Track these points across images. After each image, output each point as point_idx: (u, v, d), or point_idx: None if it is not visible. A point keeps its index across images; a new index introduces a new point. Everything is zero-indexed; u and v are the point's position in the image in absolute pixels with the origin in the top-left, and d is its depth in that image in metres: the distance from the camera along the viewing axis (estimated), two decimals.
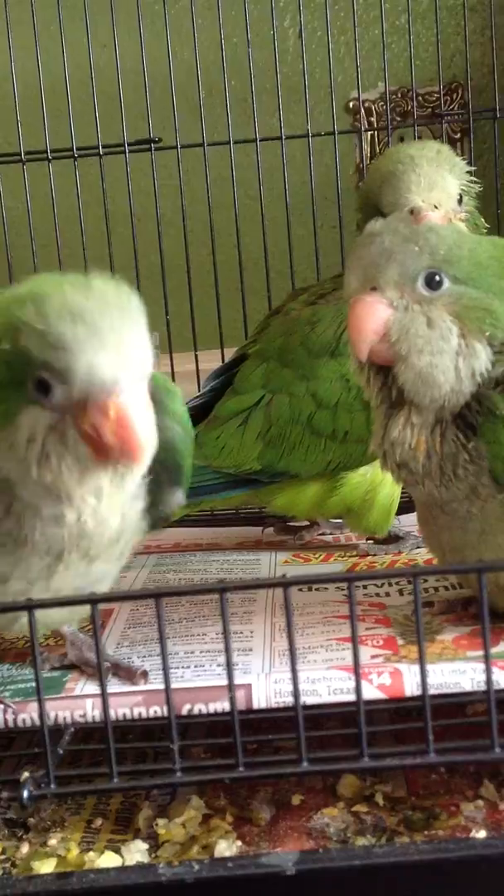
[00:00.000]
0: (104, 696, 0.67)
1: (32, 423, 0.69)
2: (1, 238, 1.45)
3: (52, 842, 0.79)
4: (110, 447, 0.67)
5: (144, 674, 0.83)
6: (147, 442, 0.68)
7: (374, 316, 0.79)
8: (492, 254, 0.81)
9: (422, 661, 0.65)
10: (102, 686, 0.68)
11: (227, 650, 0.64)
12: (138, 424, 0.67)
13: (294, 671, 0.64)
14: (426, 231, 0.81)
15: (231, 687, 0.65)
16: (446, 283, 0.79)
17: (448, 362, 0.79)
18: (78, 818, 0.81)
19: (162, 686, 0.69)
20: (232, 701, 0.66)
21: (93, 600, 0.64)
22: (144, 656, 0.87)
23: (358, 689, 0.64)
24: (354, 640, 0.63)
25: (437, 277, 0.79)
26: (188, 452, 0.85)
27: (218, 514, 1.37)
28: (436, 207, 1.06)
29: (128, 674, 0.83)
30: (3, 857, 0.78)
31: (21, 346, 0.67)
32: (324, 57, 1.42)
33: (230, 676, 0.65)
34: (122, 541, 0.79)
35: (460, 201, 1.09)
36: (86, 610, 0.86)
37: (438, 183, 1.07)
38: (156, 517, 0.84)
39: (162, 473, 0.80)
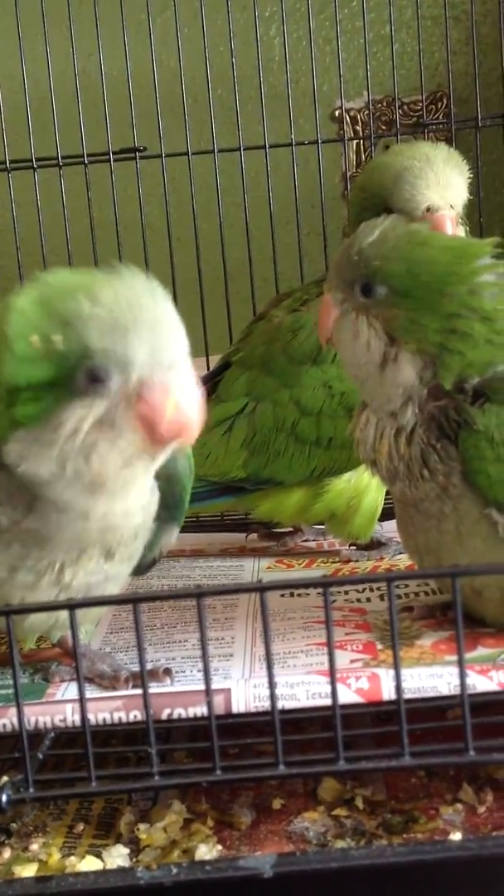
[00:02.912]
0: (82, 700, 0.68)
1: (78, 417, 0.70)
2: None
3: (34, 847, 0.79)
4: (168, 427, 0.70)
5: (168, 671, 0.83)
6: (201, 417, 0.72)
7: (325, 314, 0.85)
8: (445, 267, 0.81)
9: (396, 665, 0.65)
10: (80, 691, 0.69)
11: (205, 654, 0.64)
12: (197, 400, 0.71)
13: (270, 676, 0.65)
14: (368, 240, 0.82)
15: (208, 691, 0.66)
16: (380, 293, 0.81)
17: (372, 370, 0.82)
18: (60, 823, 0.82)
19: (141, 691, 0.69)
20: (209, 705, 0.66)
21: (70, 606, 0.65)
22: (126, 662, 0.88)
23: (334, 693, 0.65)
24: (330, 644, 0.64)
25: (370, 287, 0.82)
26: (189, 487, 0.86)
27: (203, 520, 1.37)
28: (451, 207, 1.07)
29: (151, 675, 0.81)
30: None
31: (75, 339, 0.68)
32: (309, 66, 1.43)
33: (207, 681, 0.66)
34: (139, 539, 0.80)
35: None
36: (90, 616, 0.87)
37: (453, 183, 1.08)
38: (146, 560, 0.86)
39: (162, 510, 0.82)
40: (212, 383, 1.19)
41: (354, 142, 1.88)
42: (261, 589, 0.64)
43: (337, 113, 1.89)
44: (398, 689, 0.65)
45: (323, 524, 1.19)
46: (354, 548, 1.18)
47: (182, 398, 0.70)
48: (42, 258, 1.44)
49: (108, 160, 1.43)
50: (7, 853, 0.79)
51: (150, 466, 0.74)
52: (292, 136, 1.42)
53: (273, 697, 0.65)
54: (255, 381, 1.14)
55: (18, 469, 0.71)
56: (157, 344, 0.69)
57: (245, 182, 1.43)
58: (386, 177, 1.10)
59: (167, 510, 0.83)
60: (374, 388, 0.83)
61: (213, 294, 1.46)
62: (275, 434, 1.12)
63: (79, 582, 0.79)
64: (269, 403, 1.12)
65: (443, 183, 1.07)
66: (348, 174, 1.68)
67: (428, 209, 1.07)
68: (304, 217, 1.46)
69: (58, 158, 1.43)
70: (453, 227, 1.07)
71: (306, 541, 1.25)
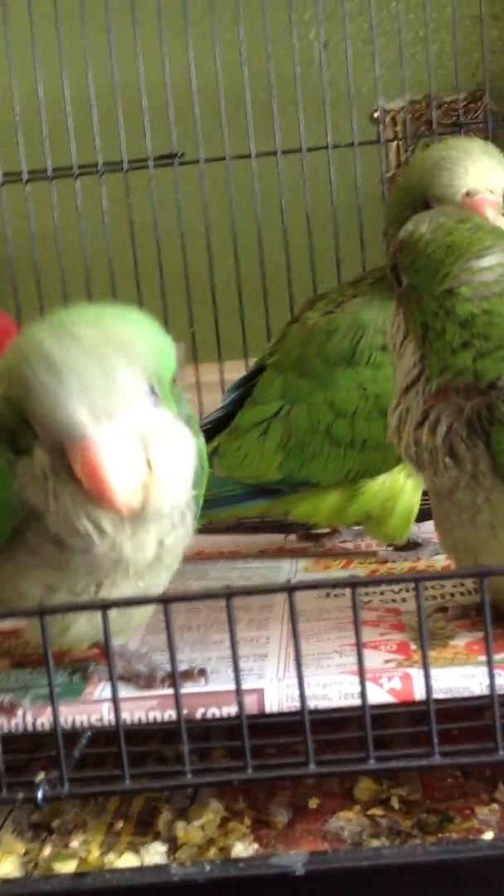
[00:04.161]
0: (115, 699, 0.69)
1: (40, 461, 0.71)
2: (29, 255, 1.48)
3: (74, 844, 0.80)
4: (89, 490, 0.68)
5: (202, 672, 0.83)
6: (130, 485, 0.68)
7: None
8: (435, 263, 0.81)
9: (425, 664, 0.65)
10: (114, 689, 0.70)
11: (234, 653, 0.65)
12: (113, 470, 0.67)
13: (300, 675, 0.66)
14: (405, 230, 0.83)
15: (238, 691, 0.67)
16: (404, 283, 0.82)
17: (396, 357, 0.84)
18: (99, 821, 0.83)
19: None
20: (240, 705, 0.67)
21: (103, 606, 0.66)
22: (163, 662, 0.89)
23: (363, 692, 0.65)
24: (359, 643, 0.64)
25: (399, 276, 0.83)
26: (202, 486, 0.85)
27: (243, 522, 1.38)
28: (491, 192, 1.07)
29: (186, 675, 0.83)
30: (26, 858, 0.80)
31: (13, 394, 0.69)
32: (351, 68, 1.43)
33: (237, 680, 0.67)
34: (170, 556, 0.80)
35: None
36: (134, 621, 0.88)
37: (490, 171, 1.08)
38: None
39: None
40: (247, 386, 1.19)
41: (394, 144, 1.88)
42: (290, 589, 0.64)
43: (376, 115, 1.89)
44: (427, 688, 0.65)
45: (360, 525, 1.19)
46: (391, 549, 1.18)
47: (92, 466, 0.67)
48: (84, 265, 1.46)
49: (148, 166, 1.44)
50: (48, 850, 0.80)
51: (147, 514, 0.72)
52: (328, 139, 1.43)
53: (303, 696, 0.66)
54: (289, 384, 1.14)
55: (23, 496, 0.73)
56: (62, 407, 0.67)
57: (283, 186, 1.44)
58: (424, 169, 1.11)
59: None
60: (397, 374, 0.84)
61: (251, 298, 1.47)
62: (310, 436, 1.12)
63: (127, 594, 0.79)
64: (303, 405, 1.13)
65: (480, 167, 1.08)
66: (387, 176, 1.68)
67: (467, 194, 1.07)
68: (342, 220, 1.46)
69: (98, 165, 1.45)
70: (494, 211, 1.06)
71: (344, 542, 1.25)
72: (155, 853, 0.78)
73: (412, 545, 1.17)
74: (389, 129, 1.86)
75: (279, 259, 1.45)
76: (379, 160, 1.65)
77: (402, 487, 1.12)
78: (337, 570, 1.15)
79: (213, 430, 1.18)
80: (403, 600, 0.98)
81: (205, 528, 1.23)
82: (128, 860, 0.77)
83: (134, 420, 0.69)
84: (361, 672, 0.64)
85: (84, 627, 0.82)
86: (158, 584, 0.83)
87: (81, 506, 0.71)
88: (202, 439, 0.84)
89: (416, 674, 0.78)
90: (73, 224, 1.45)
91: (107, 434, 0.67)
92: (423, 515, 1.15)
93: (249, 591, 0.64)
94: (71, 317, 0.72)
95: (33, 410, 0.69)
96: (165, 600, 0.66)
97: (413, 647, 0.86)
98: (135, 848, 0.79)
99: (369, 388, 1.09)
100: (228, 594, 0.64)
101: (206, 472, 0.85)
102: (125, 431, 0.69)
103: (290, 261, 1.45)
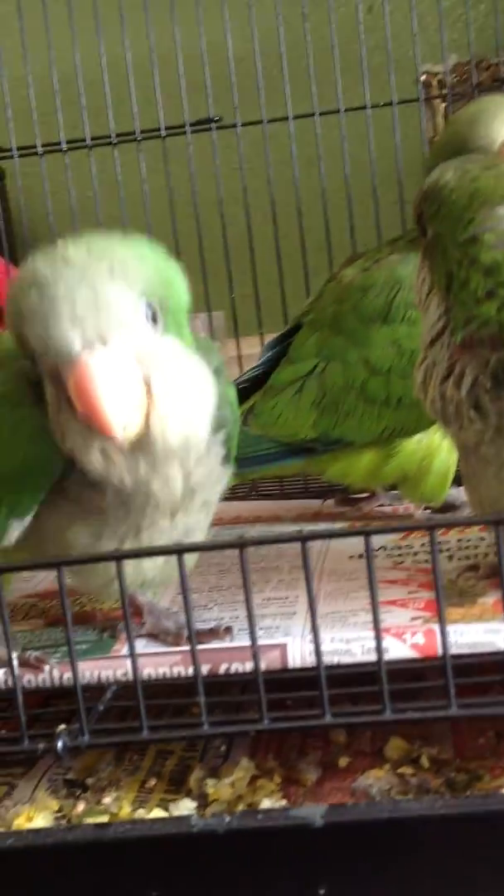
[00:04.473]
0: (132, 651, 0.69)
1: (50, 395, 0.71)
2: (70, 224, 1.48)
3: (107, 800, 0.81)
4: (82, 413, 0.67)
5: (228, 630, 0.83)
6: (126, 410, 0.67)
7: None
8: (459, 210, 0.79)
9: (441, 614, 0.64)
10: (130, 641, 0.70)
11: (248, 602, 0.65)
12: (105, 393, 0.66)
13: (314, 622, 0.65)
14: (429, 179, 0.81)
15: (253, 641, 0.66)
16: (429, 233, 0.80)
17: (421, 309, 0.81)
18: (133, 779, 0.84)
19: (199, 646, 0.70)
20: (255, 655, 0.67)
21: (116, 556, 0.66)
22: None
23: (378, 643, 0.65)
24: (373, 593, 0.63)
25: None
26: (236, 441, 0.85)
27: (286, 488, 1.38)
28: None
29: (212, 633, 0.83)
30: (59, 814, 0.81)
31: (13, 322, 0.69)
32: (394, 30, 1.40)
33: (252, 631, 0.66)
34: (203, 492, 0.79)
35: None
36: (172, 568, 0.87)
37: None
38: None
39: None
40: (283, 345, 1.19)
41: (443, 105, 1.85)
42: (302, 539, 0.64)
43: (423, 78, 1.86)
44: (443, 638, 0.64)
45: (395, 488, 1.18)
46: (429, 511, 1.17)
47: (84, 387, 0.66)
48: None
49: (185, 132, 1.44)
50: (81, 807, 0.81)
51: (157, 441, 0.70)
52: (367, 100, 1.40)
53: (318, 647, 0.66)
54: (325, 342, 1.13)
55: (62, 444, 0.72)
56: (52, 330, 0.66)
57: (321, 149, 1.42)
58: (461, 124, 1.11)
59: None
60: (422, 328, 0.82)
61: (290, 264, 1.45)
62: (344, 394, 1.11)
63: (161, 541, 0.79)
64: (338, 363, 1.12)
65: None
66: (430, 139, 1.65)
67: None
68: (382, 185, 1.44)
69: (136, 133, 1.45)
70: None
71: (382, 506, 1.24)
72: (184, 809, 0.78)
73: (449, 507, 1.16)
74: (435, 91, 1.84)
75: (318, 224, 1.43)
76: (420, 123, 1.62)
77: (438, 447, 1.10)
78: None
79: (248, 389, 1.18)
80: None
81: (242, 494, 1.24)
82: (157, 816, 0.77)
83: (130, 344, 0.68)
84: (376, 621, 0.63)
85: (130, 577, 0.82)
86: (199, 526, 0.83)
87: (85, 436, 0.69)
88: (234, 390, 0.83)
89: (440, 630, 0.77)
90: (114, 192, 1.45)
91: (100, 357, 0.66)
92: (460, 478, 1.14)
93: (262, 541, 0.64)
94: (68, 243, 0.70)
95: (29, 338, 0.67)
96: (178, 550, 0.66)
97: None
98: (165, 804, 0.79)
99: (405, 344, 1.07)
100: (241, 544, 0.64)
101: (236, 422, 0.84)
102: (120, 355, 0.67)
103: (329, 226, 1.44)
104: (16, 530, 0.79)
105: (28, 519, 0.78)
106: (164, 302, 0.71)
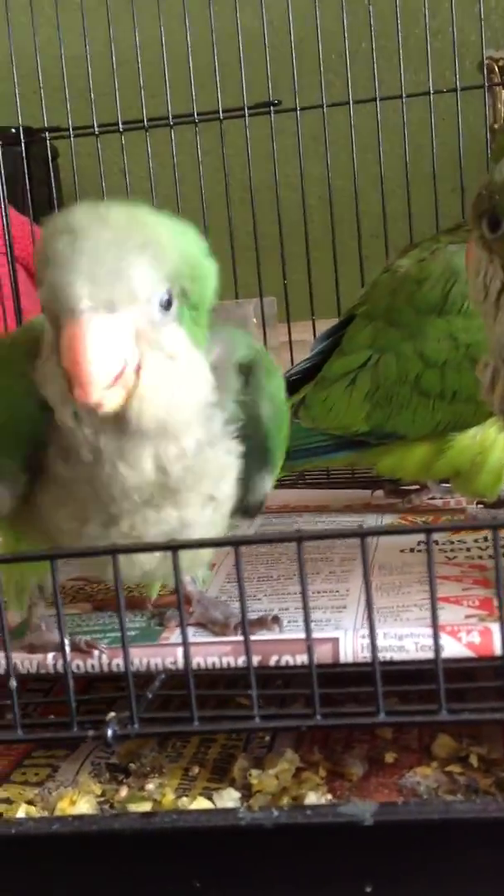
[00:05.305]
0: (185, 642, 0.69)
1: (46, 337, 0.71)
2: None
3: (150, 786, 0.81)
4: (70, 377, 0.66)
5: (276, 619, 0.82)
6: (107, 380, 0.66)
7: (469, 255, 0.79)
8: None
9: (502, 616, 0.63)
10: (184, 632, 0.69)
11: (305, 597, 0.64)
12: (93, 356, 0.65)
13: (371, 620, 0.64)
14: (499, 173, 0.77)
15: (308, 634, 0.66)
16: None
17: (489, 309, 0.78)
18: (176, 766, 0.83)
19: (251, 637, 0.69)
20: (309, 649, 0.66)
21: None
22: (238, 610, 0.88)
23: (436, 641, 0.64)
24: (432, 589, 0.62)
25: (496, 221, 0.76)
26: (279, 434, 0.83)
27: (333, 477, 1.37)
28: None
29: (260, 623, 0.82)
30: (102, 799, 0.81)
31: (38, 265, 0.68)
32: (456, 16, 1.38)
33: (307, 625, 0.66)
34: (202, 486, 0.77)
35: None
36: (198, 560, 0.87)
37: None
38: (246, 505, 0.84)
39: (253, 452, 0.80)
40: (336, 337, 1.17)
41: (501, 94, 1.83)
42: (362, 534, 0.63)
43: (486, 63, 1.83)
44: (503, 639, 0.63)
45: (448, 481, 1.16)
46: (481, 506, 1.15)
47: (75, 343, 0.65)
48: (177, 215, 1.45)
49: (244, 115, 1.42)
50: (124, 792, 0.81)
51: (131, 420, 0.69)
52: (430, 85, 1.38)
53: (373, 644, 0.64)
54: (378, 333, 1.12)
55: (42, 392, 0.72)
56: (66, 278, 0.65)
57: (382, 135, 1.40)
58: None
59: (254, 456, 0.81)
60: (490, 330, 0.80)
61: (346, 253, 1.44)
62: (398, 387, 1.09)
63: (150, 532, 0.78)
64: (392, 355, 1.10)
65: None
66: (494, 126, 1.63)
67: None
68: (443, 172, 1.42)
69: (194, 115, 1.43)
70: None
71: (432, 498, 1.22)
72: (229, 799, 0.78)
73: (502, 503, 1.14)
74: (497, 78, 1.81)
75: (376, 211, 1.41)
76: (483, 110, 1.60)
77: (493, 442, 1.08)
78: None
79: (300, 380, 1.17)
80: (490, 557, 0.96)
81: (291, 482, 1.22)
82: (201, 805, 0.77)
83: (134, 321, 0.67)
84: (434, 618, 0.62)
85: (148, 565, 0.82)
86: (200, 521, 0.80)
87: (64, 391, 0.69)
88: (279, 381, 0.82)
89: (497, 628, 0.76)
90: (168, 174, 1.44)
91: (100, 322, 0.65)
92: None
93: (319, 536, 0.63)
94: (114, 204, 0.70)
95: (45, 279, 0.67)
96: (235, 542, 0.65)
97: (496, 602, 0.83)
98: (209, 794, 0.79)
99: (461, 337, 1.06)
100: (299, 538, 0.63)
101: (280, 415, 0.83)
102: (121, 328, 0.66)
103: (386, 214, 1.42)
104: (5, 499, 0.78)
105: (16, 488, 0.78)
106: (186, 293, 0.71)
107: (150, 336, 0.68)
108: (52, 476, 0.77)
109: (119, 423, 0.70)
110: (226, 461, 0.79)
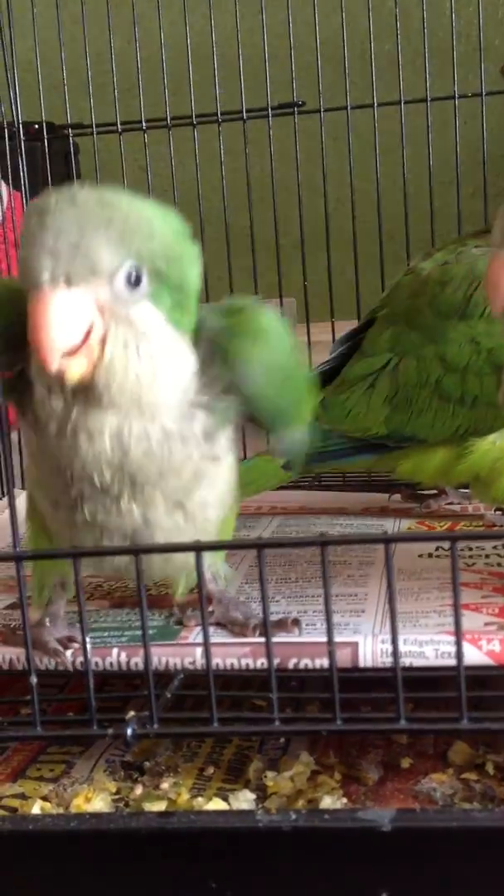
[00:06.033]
0: (206, 643, 0.69)
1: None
2: None
3: (165, 785, 0.81)
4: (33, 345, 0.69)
5: (296, 622, 0.82)
6: (67, 348, 0.68)
7: (495, 271, 0.76)
8: None
9: None
10: (205, 633, 0.69)
11: (327, 601, 0.64)
12: (51, 326, 0.68)
13: (394, 627, 0.64)
14: None
15: (330, 639, 0.65)
16: None
17: None
18: (191, 765, 0.84)
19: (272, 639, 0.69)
20: (331, 654, 0.66)
21: (197, 548, 0.65)
22: (259, 612, 0.88)
23: (458, 649, 0.64)
24: (456, 599, 0.62)
25: None
26: (283, 395, 0.81)
27: (349, 480, 1.37)
28: None
29: (279, 625, 0.82)
30: (117, 796, 0.81)
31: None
32: (482, 19, 1.38)
33: (329, 628, 0.65)
34: (169, 482, 0.77)
35: None
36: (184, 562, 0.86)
37: None
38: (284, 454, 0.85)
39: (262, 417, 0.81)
40: (356, 339, 1.17)
41: None
42: (386, 540, 0.63)
43: None
44: None
45: (467, 487, 1.16)
46: (500, 513, 1.15)
47: (39, 314, 0.68)
48: (199, 216, 1.45)
49: (267, 115, 1.42)
50: (139, 790, 0.81)
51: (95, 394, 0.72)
52: (455, 89, 1.38)
53: (395, 647, 0.64)
54: (399, 336, 1.11)
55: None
56: (33, 253, 0.68)
57: (405, 138, 1.40)
58: None
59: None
60: None
61: (367, 254, 1.43)
62: (418, 390, 1.09)
63: (111, 525, 0.78)
64: (413, 359, 1.10)
65: None
66: None
67: None
68: (465, 175, 1.41)
69: (217, 114, 1.43)
70: None
71: (450, 504, 1.22)
72: (244, 800, 0.78)
73: None
74: None
75: (398, 212, 1.41)
76: None
77: None
78: (440, 533, 1.12)
79: (319, 383, 1.16)
80: None
81: (306, 484, 1.22)
82: (216, 805, 0.77)
83: (95, 294, 0.69)
84: (458, 627, 0.61)
85: (160, 563, 0.82)
86: (169, 526, 0.79)
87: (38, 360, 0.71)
88: (272, 333, 0.80)
89: None
90: (190, 173, 1.44)
91: (60, 295, 0.68)
92: None
93: (344, 541, 0.63)
94: (89, 187, 0.72)
95: (19, 258, 0.70)
96: (259, 545, 0.65)
97: None
98: (224, 794, 0.79)
99: (482, 342, 1.05)
100: (323, 542, 0.63)
101: (288, 371, 0.82)
102: (80, 300, 0.69)
103: (408, 217, 1.41)
104: None
105: None
106: (161, 273, 0.72)
107: (116, 310, 0.71)
108: (32, 452, 0.79)
109: (87, 395, 0.72)
110: (202, 468, 0.78)
